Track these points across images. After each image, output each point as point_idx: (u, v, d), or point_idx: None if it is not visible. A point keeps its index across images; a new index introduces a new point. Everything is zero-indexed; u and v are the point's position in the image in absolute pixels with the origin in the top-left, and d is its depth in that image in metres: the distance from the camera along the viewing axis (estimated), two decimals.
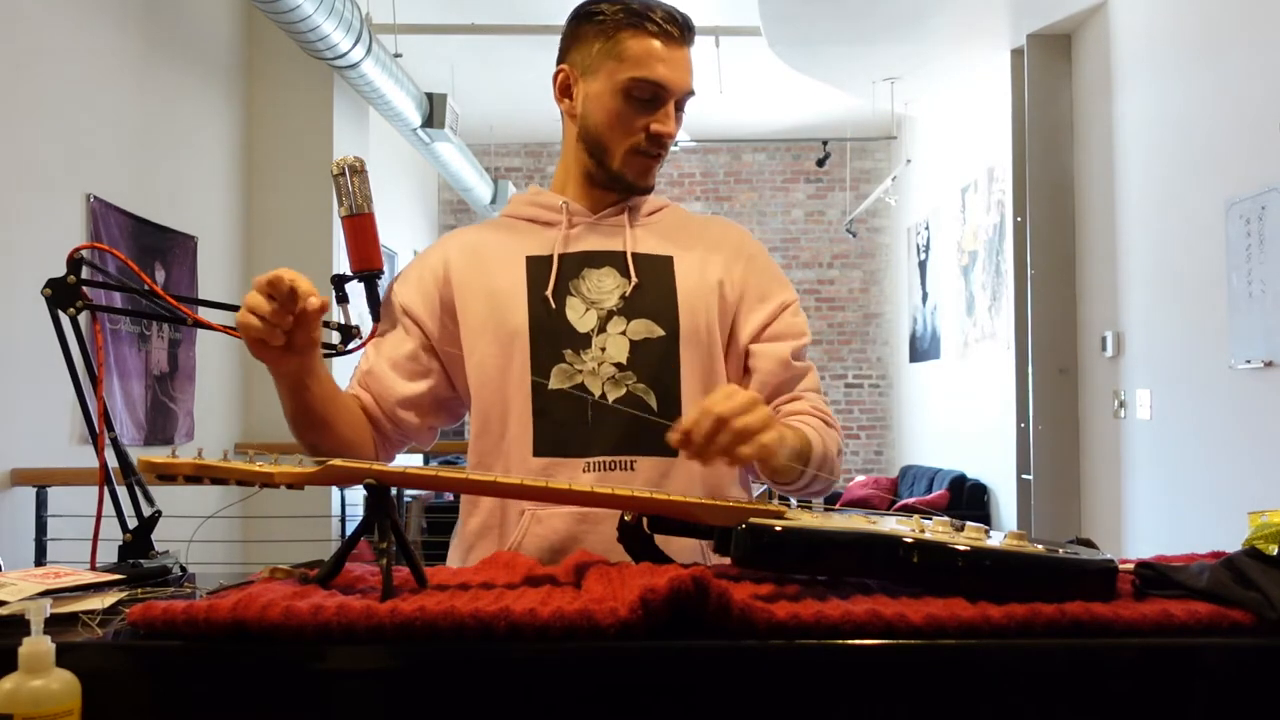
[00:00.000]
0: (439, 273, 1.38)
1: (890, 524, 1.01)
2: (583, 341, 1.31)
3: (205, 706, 0.86)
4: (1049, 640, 0.86)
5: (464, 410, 1.43)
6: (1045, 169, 4.80)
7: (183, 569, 1.16)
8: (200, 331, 3.37)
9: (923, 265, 7.11)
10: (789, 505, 1.09)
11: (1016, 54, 5.03)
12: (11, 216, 3.28)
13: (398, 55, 5.20)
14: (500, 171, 8.14)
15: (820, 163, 7.04)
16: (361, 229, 1.29)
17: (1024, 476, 4.89)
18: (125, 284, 1.26)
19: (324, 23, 4.22)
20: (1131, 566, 1.01)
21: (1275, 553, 0.96)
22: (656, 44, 1.31)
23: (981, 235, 5.87)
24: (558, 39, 1.40)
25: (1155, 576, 0.97)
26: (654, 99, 1.32)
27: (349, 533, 1.03)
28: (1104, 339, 4.41)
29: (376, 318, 1.38)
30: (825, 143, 6.95)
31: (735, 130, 7.73)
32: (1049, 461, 4.77)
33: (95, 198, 3.71)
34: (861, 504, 6.71)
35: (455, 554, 1.38)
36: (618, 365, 1.30)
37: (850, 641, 0.85)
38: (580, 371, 1.30)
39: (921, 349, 7.17)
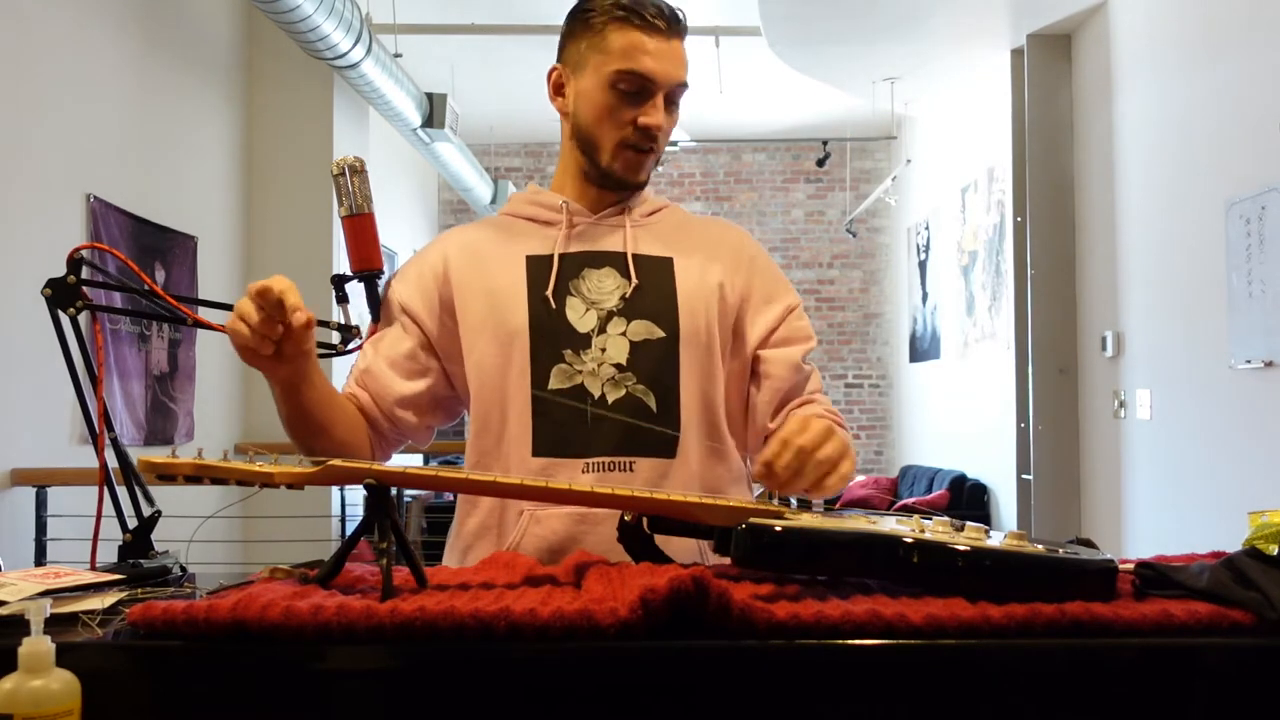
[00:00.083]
0: (438, 271, 1.37)
1: (890, 524, 1.01)
2: (583, 342, 1.31)
3: (205, 706, 0.86)
4: (1049, 640, 0.86)
5: (462, 409, 1.42)
6: (1045, 169, 4.79)
7: (183, 569, 1.16)
8: (200, 331, 3.36)
9: (923, 265, 7.10)
10: (789, 505, 1.09)
11: (1016, 54, 5.03)
12: (11, 216, 3.28)
13: (398, 55, 5.20)
14: (500, 171, 8.13)
15: (820, 163, 7.04)
16: (361, 229, 1.29)
17: (1024, 476, 4.89)
18: (125, 284, 1.26)
19: (324, 23, 4.22)
20: (1131, 566, 1.01)
21: (1275, 553, 0.96)
22: (643, 36, 1.31)
23: (981, 235, 5.87)
24: (557, 39, 1.40)
25: (1155, 576, 0.97)
26: (641, 91, 1.32)
27: (349, 533, 1.03)
28: (1104, 339, 4.41)
29: (376, 318, 1.38)
30: (825, 143, 6.95)
31: (735, 130, 7.72)
32: (1049, 461, 4.76)
33: (95, 198, 3.71)
34: (861, 504, 6.71)
35: (452, 554, 1.37)
36: (617, 366, 1.30)
37: (850, 641, 0.85)
38: (580, 372, 1.30)
39: (921, 349, 7.17)
